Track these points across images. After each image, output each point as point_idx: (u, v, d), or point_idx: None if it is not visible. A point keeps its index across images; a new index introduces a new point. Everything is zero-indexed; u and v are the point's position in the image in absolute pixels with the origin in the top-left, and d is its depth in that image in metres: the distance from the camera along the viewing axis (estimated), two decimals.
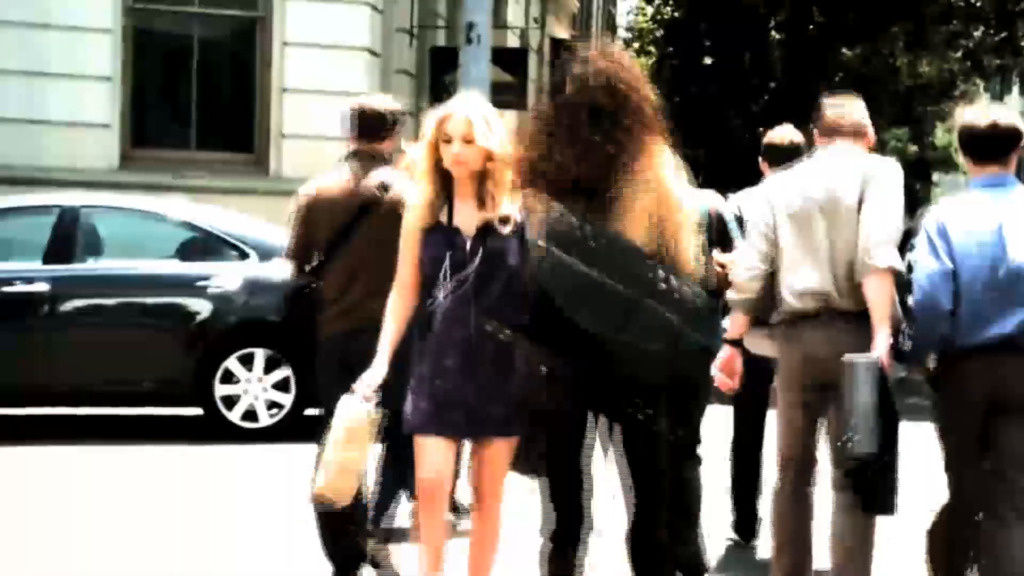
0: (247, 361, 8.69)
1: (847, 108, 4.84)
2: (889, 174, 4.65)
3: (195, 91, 13.01)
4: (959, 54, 21.28)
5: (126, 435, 8.82)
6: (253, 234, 9.10)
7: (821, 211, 4.60)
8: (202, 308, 8.69)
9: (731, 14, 17.69)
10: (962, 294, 4.44)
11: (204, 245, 9.01)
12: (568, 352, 3.92)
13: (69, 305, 8.64)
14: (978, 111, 4.68)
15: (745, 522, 6.01)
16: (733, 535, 6.03)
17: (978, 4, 19.23)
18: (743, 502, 5.99)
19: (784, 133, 5.95)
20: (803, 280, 4.60)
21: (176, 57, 13.23)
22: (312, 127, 12.90)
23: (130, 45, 12.71)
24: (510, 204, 4.21)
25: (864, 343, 4.45)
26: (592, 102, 3.91)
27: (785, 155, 5.59)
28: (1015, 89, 50.00)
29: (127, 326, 8.72)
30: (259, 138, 13.02)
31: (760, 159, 5.98)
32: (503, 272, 4.18)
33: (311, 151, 12.88)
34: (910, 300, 4.53)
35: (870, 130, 4.86)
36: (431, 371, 4.18)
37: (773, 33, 17.91)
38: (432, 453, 4.18)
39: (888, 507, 4.50)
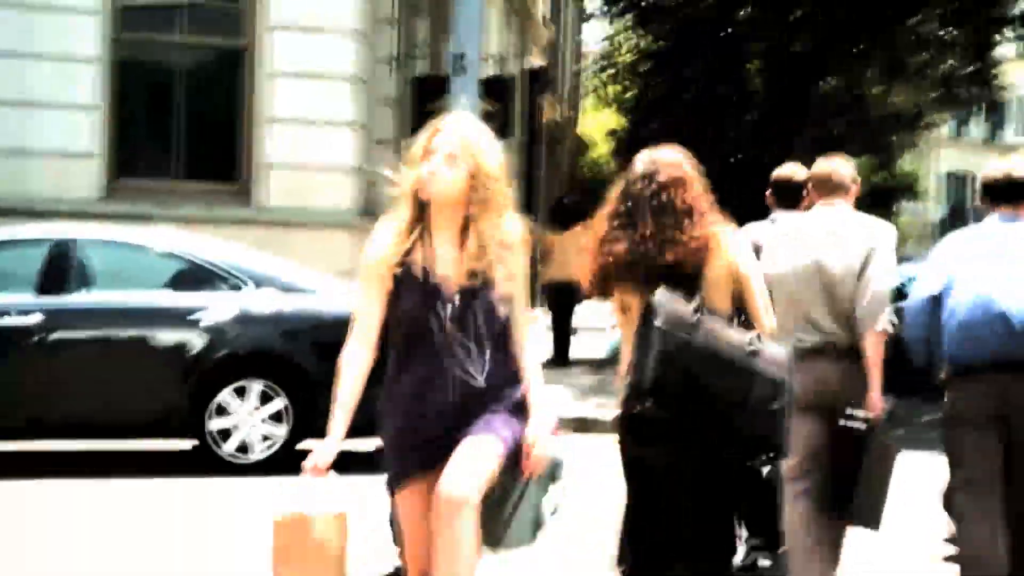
0: (242, 392, 8.67)
1: (841, 168, 5.39)
2: (890, 241, 5.19)
3: (180, 121, 13.02)
4: (931, 84, 21.52)
5: (122, 468, 8.77)
6: (247, 264, 9.09)
7: (825, 266, 5.11)
8: (196, 339, 8.63)
9: (710, 46, 17.84)
10: (960, 318, 4.77)
11: (198, 275, 8.96)
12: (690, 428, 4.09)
13: (63, 337, 8.57)
14: (998, 163, 5.19)
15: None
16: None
17: (945, 36, 19.43)
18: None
19: (791, 171, 6.27)
20: (813, 323, 5.10)
21: (161, 87, 13.23)
22: (297, 156, 12.95)
23: (115, 75, 12.72)
24: (506, 247, 3.77)
25: (857, 373, 5.02)
26: (672, 199, 4.34)
27: (792, 193, 6.07)
28: (980, 119, 50.62)
29: (122, 358, 8.66)
30: (244, 168, 13.04)
31: (768, 195, 6.29)
32: (490, 334, 3.75)
33: (296, 181, 12.94)
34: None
35: (857, 186, 5.42)
36: (400, 438, 3.78)
37: (751, 64, 18.09)
38: (415, 510, 3.75)
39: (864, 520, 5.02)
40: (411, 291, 3.73)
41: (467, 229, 3.77)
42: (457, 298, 3.72)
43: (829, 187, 5.32)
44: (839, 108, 20.76)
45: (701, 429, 4.05)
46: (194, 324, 8.64)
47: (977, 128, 56.94)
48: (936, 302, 4.84)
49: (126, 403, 8.59)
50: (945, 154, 55.14)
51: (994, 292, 4.73)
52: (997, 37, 18.86)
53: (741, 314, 4.52)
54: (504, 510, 3.80)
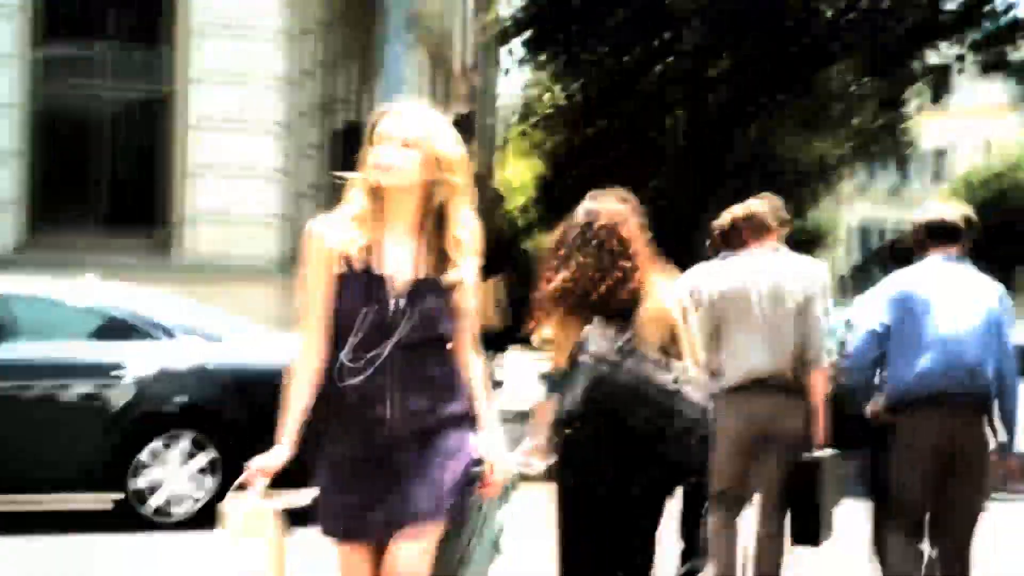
0: (168, 446, 8.50)
1: (773, 209, 5.90)
2: (825, 279, 5.73)
3: (102, 170, 12.87)
4: (845, 135, 21.96)
5: (41, 526, 8.56)
6: (171, 314, 8.96)
7: (765, 302, 5.62)
8: (119, 392, 8.44)
9: (632, 96, 18.04)
10: (904, 349, 5.17)
11: (123, 326, 8.80)
12: (614, 456, 4.29)
13: None
14: (926, 208, 5.69)
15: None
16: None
17: (859, 89, 19.84)
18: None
19: (734, 214, 6.35)
20: (750, 360, 5.58)
21: (83, 136, 13.08)
22: (221, 206, 12.84)
23: (37, 124, 12.55)
24: (463, 247, 3.50)
25: (794, 406, 5.55)
26: (607, 240, 4.59)
27: (735, 235, 6.18)
28: (888, 171, 51.76)
29: (41, 412, 8.45)
30: (167, 218, 12.90)
31: (709, 241, 6.43)
32: (437, 340, 3.48)
33: (220, 231, 12.82)
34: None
35: (787, 226, 5.98)
36: (339, 462, 3.44)
37: (672, 114, 18.35)
38: (355, 566, 3.44)
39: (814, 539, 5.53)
40: (353, 285, 3.42)
41: (423, 222, 3.48)
42: (404, 296, 3.42)
43: (763, 228, 5.81)
44: (756, 158, 21.10)
45: (619, 456, 4.24)
46: (117, 377, 8.47)
47: (884, 180, 58.20)
48: (882, 338, 5.18)
49: (45, 458, 8.37)
50: (854, 205, 56.18)
51: (940, 328, 5.10)
52: (909, 90, 19.30)
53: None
54: (462, 541, 3.64)
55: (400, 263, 3.46)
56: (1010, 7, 17.35)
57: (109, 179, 12.90)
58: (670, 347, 4.51)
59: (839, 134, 21.60)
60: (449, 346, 3.53)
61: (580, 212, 4.66)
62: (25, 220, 12.49)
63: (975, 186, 47.04)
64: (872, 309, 5.27)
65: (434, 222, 3.49)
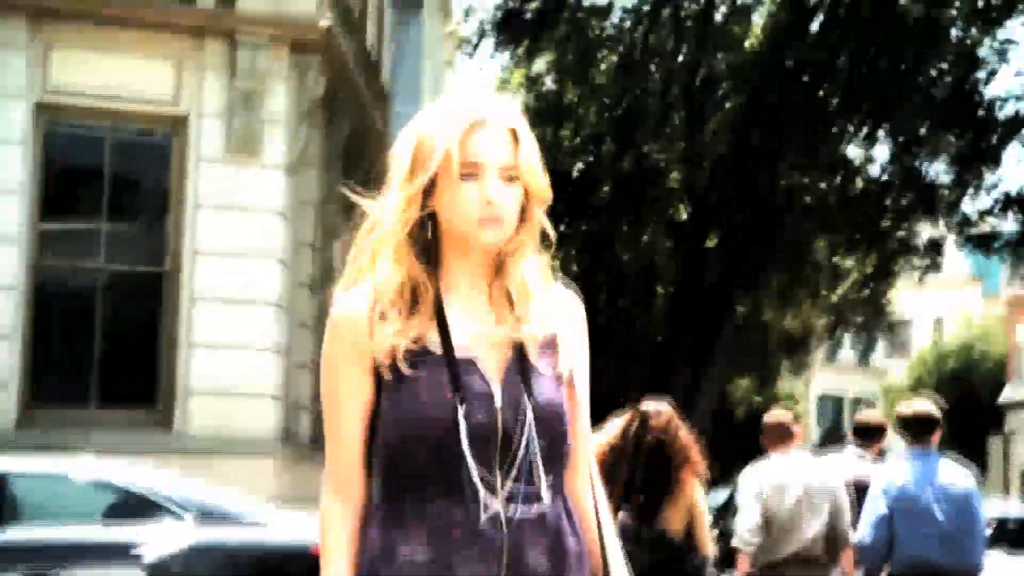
0: None
1: (793, 418, 7.58)
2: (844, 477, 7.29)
3: (99, 346, 12.69)
4: (823, 309, 22.25)
5: None
6: (186, 494, 8.71)
7: (804, 497, 7.02)
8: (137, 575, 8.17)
9: (620, 272, 18.26)
10: (898, 532, 6.42)
11: (134, 507, 8.55)
12: None
13: None
14: (908, 403, 6.99)
15: None
16: None
17: (840, 263, 20.17)
18: None
19: (782, 417, 7.80)
20: (791, 541, 7.01)
21: (80, 312, 12.93)
22: (219, 382, 12.66)
23: (33, 301, 12.40)
24: (547, 299, 2.35)
25: None
26: (658, 449, 5.61)
27: (783, 435, 7.59)
28: (853, 340, 52.31)
29: None
30: (164, 394, 12.69)
31: (762, 439, 7.67)
32: (561, 453, 2.30)
33: (218, 407, 12.61)
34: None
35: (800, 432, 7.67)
36: None
37: (660, 290, 18.55)
38: None
39: None
40: (425, 381, 2.25)
41: (496, 279, 2.34)
42: (502, 387, 2.26)
43: (787, 435, 7.33)
44: (741, 330, 21.26)
45: None
46: (135, 559, 8.18)
47: (848, 351, 58.77)
48: (888, 520, 6.45)
49: None
50: (819, 376, 56.61)
51: (930, 511, 6.34)
52: (898, 263, 19.66)
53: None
54: None
55: (482, 337, 2.30)
56: (996, 184, 17.89)
57: (106, 355, 12.70)
58: (692, 533, 5.43)
59: (820, 305, 21.89)
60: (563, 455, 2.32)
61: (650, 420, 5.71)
62: (19, 400, 12.23)
63: (938, 359, 47.55)
64: (876, 496, 6.55)
65: (517, 275, 2.36)
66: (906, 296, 42.83)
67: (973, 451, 50.98)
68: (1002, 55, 18.18)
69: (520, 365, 2.27)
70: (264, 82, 12.73)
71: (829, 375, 56.83)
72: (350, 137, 16.03)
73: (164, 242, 12.93)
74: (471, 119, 2.23)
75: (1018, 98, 18.53)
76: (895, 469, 6.70)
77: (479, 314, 2.32)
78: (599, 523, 2.39)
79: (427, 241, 2.31)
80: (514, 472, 2.20)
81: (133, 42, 12.63)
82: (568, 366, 2.32)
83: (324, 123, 14.57)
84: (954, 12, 17.19)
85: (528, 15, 17.65)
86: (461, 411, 2.19)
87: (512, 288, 2.32)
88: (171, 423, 12.58)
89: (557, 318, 2.34)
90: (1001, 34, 17.98)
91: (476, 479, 2.18)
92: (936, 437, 6.56)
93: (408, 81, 19.54)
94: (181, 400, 12.61)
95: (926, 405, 6.75)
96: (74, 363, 12.84)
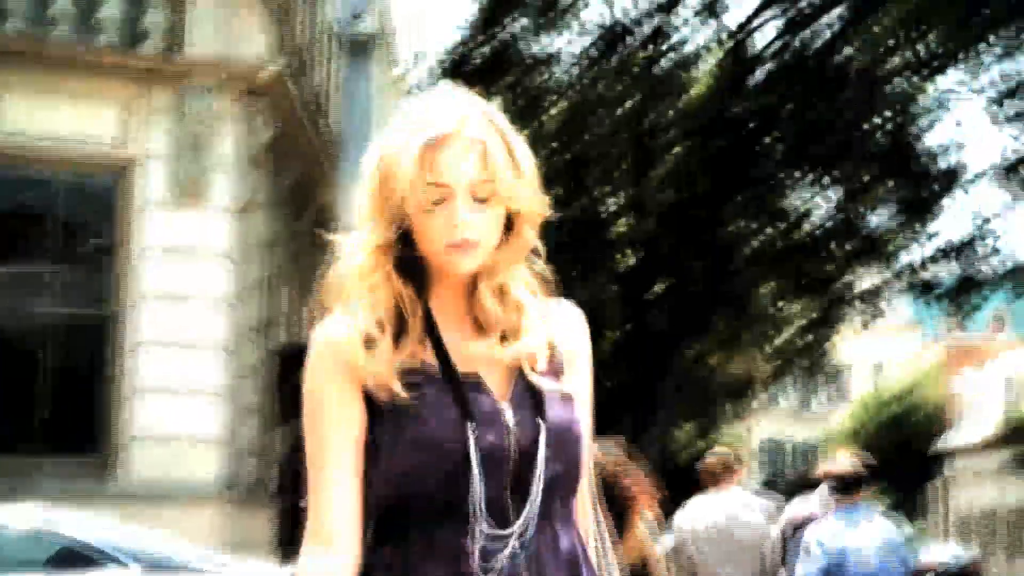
0: None
1: (734, 458, 7.91)
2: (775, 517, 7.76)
3: (41, 392, 12.49)
4: (767, 355, 22.43)
5: None
6: (132, 542, 8.57)
7: (729, 535, 7.40)
8: None
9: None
10: None
11: (79, 556, 8.38)
12: None
13: None
14: (834, 460, 7.28)
15: None
16: None
17: (782, 311, 20.36)
18: None
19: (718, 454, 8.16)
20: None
21: (21, 358, 12.72)
22: (163, 428, 12.50)
23: None
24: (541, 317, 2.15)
25: None
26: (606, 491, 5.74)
27: (724, 471, 7.87)
28: (793, 388, 52.72)
29: None
30: (107, 440, 12.51)
31: (701, 477, 7.86)
32: (573, 479, 2.11)
33: (162, 453, 12.44)
34: None
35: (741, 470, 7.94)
36: None
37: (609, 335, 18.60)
38: None
39: None
40: (428, 403, 2.03)
41: (472, 295, 2.13)
42: (511, 407, 2.07)
43: (727, 471, 7.62)
44: (685, 377, 21.36)
45: None
46: None
47: (788, 398, 59.15)
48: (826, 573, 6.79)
49: None
50: (760, 423, 56.96)
51: (858, 566, 6.67)
52: (840, 311, 19.88)
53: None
54: None
55: (479, 357, 2.10)
56: (937, 232, 18.18)
57: (49, 401, 12.51)
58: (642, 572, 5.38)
59: (765, 351, 22.04)
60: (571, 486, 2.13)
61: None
62: None
63: (879, 405, 47.98)
64: (812, 550, 6.83)
65: (503, 288, 2.14)
66: (846, 342, 43.30)
67: (912, 497, 51.41)
68: (942, 105, 18.51)
69: (526, 383, 2.08)
70: (212, 126, 12.68)
71: (771, 422, 57.16)
72: (298, 181, 16.00)
73: (109, 286, 12.79)
74: (434, 135, 2.02)
75: (958, 146, 18.87)
76: (824, 525, 7.03)
77: (471, 333, 2.11)
78: (602, 551, 2.30)
79: (411, 261, 2.10)
80: (529, 498, 2.00)
81: (80, 86, 12.55)
82: (574, 384, 2.15)
83: (272, 167, 14.52)
84: (897, 61, 17.49)
85: (477, 60, 17.74)
86: (472, 433, 1.99)
87: (503, 306, 2.11)
88: (115, 469, 12.40)
89: (558, 334, 2.16)
90: (943, 83, 18.31)
91: (485, 507, 1.98)
92: (860, 494, 6.89)
93: (357, 125, 19.55)
94: (125, 446, 12.45)
95: (850, 462, 7.07)
96: (16, 408, 12.63)
